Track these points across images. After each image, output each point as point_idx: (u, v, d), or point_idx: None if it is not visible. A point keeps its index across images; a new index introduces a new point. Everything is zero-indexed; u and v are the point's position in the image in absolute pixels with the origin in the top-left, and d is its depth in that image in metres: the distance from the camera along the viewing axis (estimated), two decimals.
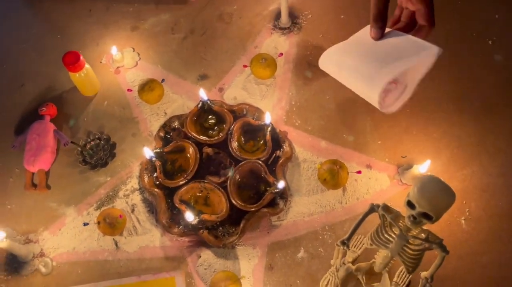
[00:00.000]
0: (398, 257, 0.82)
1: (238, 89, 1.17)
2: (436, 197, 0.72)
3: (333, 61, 0.85)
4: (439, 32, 1.20)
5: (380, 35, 0.76)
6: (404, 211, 0.78)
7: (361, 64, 0.80)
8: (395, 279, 0.95)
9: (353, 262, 0.96)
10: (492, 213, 1.02)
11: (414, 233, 0.79)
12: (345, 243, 0.85)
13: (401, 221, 0.80)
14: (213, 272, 0.98)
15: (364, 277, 0.94)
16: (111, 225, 0.99)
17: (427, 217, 0.73)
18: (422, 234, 0.79)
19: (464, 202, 1.03)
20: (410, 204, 0.74)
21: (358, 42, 0.81)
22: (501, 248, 0.99)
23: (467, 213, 1.02)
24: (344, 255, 0.95)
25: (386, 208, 0.82)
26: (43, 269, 1.00)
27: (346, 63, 0.81)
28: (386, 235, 0.82)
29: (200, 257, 1.01)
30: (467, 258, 0.99)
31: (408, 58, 0.79)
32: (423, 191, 0.72)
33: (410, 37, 0.81)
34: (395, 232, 0.81)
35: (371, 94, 0.89)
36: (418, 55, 0.78)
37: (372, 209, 0.83)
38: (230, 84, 1.18)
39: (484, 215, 1.02)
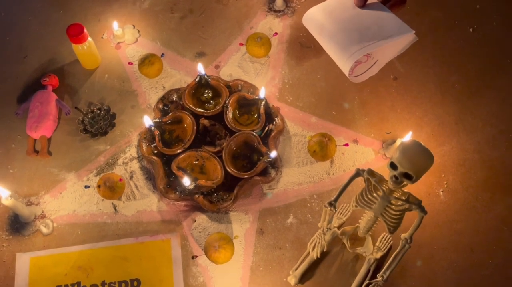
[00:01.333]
0: (381, 217, 0.89)
1: (234, 67, 1.23)
2: (416, 158, 0.79)
3: (315, 23, 0.90)
4: (424, 19, 1.29)
5: (363, 3, 0.81)
6: (387, 177, 0.85)
7: (341, 32, 0.85)
8: (377, 243, 1.02)
9: (339, 228, 1.03)
10: (467, 185, 1.10)
11: (396, 195, 0.86)
12: (332, 204, 0.92)
13: (384, 184, 0.87)
14: (207, 235, 1.04)
15: (348, 242, 1.01)
16: (111, 188, 1.04)
17: (408, 177, 0.80)
18: (403, 196, 0.87)
19: (443, 175, 1.11)
20: (392, 165, 0.81)
21: (341, 6, 0.87)
22: (475, 217, 1.07)
23: (445, 185, 1.10)
24: (331, 217, 1.02)
25: (371, 172, 0.88)
26: (44, 230, 1.04)
27: (327, 28, 0.87)
28: (370, 197, 0.89)
29: (195, 221, 1.06)
30: (444, 225, 1.06)
31: (387, 38, 0.85)
32: (405, 152, 0.79)
33: (392, 16, 0.87)
34: (379, 194, 0.88)
35: (344, 63, 0.96)
36: (396, 37, 0.85)
37: (358, 173, 0.90)
38: (226, 62, 1.24)
39: (460, 187, 1.10)
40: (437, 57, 1.25)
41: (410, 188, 0.89)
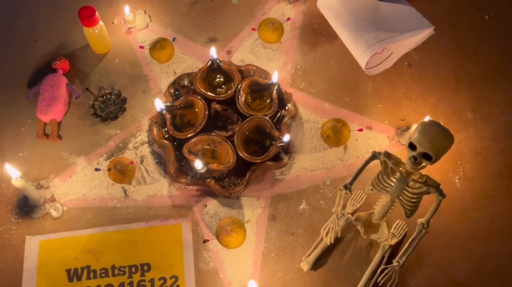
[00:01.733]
0: (398, 201, 0.87)
1: (246, 52, 1.21)
2: (436, 137, 0.77)
3: (331, 9, 0.88)
4: (439, 6, 1.27)
5: None
6: (404, 160, 0.83)
7: (358, 22, 0.84)
8: (392, 230, 1.00)
9: (352, 214, 1.01)
10: (484, 173, 1.08)
11: (414, 177, 0.84)
12: (347, 187, 0.90)
13: (401, 167, 0.85)
14: (218, 220, 1.03)
15: (362, 228, 0.99)
16: (122, 172, 1.02)
17: (427, 157, 0.79)
18: (421, 179, 0.85)
19: (459, 163, 1.09)
20: (411, 146, 0.79)
21: None
22: (492, 205, 1.05)
23: (461, 173, 1.08)
24: (346, 201, 1.00)
25: (388, 155, 0.87)
26: (54, 213, 1.03)
27: (343, 15, 0.85)
28: (386, 180, 0.87)
29: (206, 206, 1.05)
30: (460, 213, 1.04)
31: (405, 32, 0.83)
32: (424, 132, 0.77)
33: (411, 9, 0.85)
34: (396, 176, 0.86)
35: (360, 55, 0.94)
36: (415, 31, 0.83)
37: (374, 155, 0.88)
38: (238, 47, 1.22)
39: (477, 175, 1.08)
40: (452, 44, 1.23)
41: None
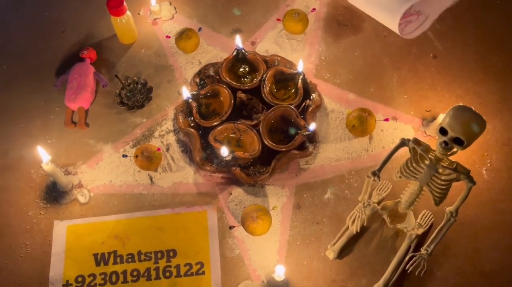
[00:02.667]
0: (427, 187, 0.87)
1: (270, 43, 1.22)
2: (468, 121, 0.76)
3: None
4: None
5: None
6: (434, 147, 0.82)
7: None
8: (418, 220, 0.99)
9: (378, 204, 1.01)
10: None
11: (444, 164, 0.84)
12: (376, 174, 0.89)
13: (431, 153, 0.85)
14: (243, 208, 1.03)
15: (388, 218, 0.99)
16: (149, 158, 1.03)
17: (458, 142, 0.78)
18: (451, 165, 0.84)
19: (486, 154, 1.08)
20: (442, 131, 0.79)
21: None
22: None
23: (489, 164, 1.07)
24: (373, 189, 0.99)
25: (416, 141, 0.86)
26: (81, 199, 1.04)
27: None
28: (415, 166, 0.86)
29: (231, 194, 1.05)
30: (487, 204, 1.03)
31: None
32: (456, 116, 0.77)
33: None
34: (425, 163, 0.85)
35: (390, 21, 0.93)
36: None
37: (403, 142, 0.88)
38: (262, 38, 1.23)
39: (504, 167, 1.06)
40: (478, 36, 1.22)
41: None
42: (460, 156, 1.06)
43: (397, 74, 1.17)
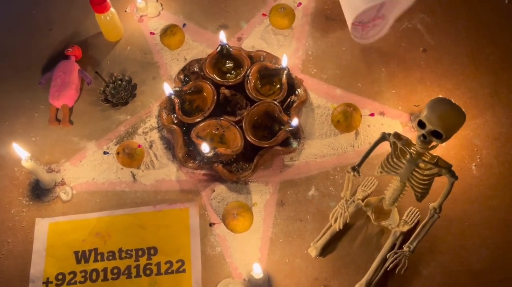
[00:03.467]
0: (408, 183, 0.84)
1: (256, 39, 1.20)
2: (446, 114, 0.74)
3: None
4: None
5: None
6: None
7: None
8: (404, 217, 0.97)
9: (363, 201, 0.98)
10: (503, 160, 1.03)
11: (425, 159, 0.81)
12: (355, 169, 0.87)
13: (412, 148, 0.82)
14: (226, 205, 1.01)
15: (373, 214, 0.96)
16: (130, 155, 1.02)
17: (437, 135, 0.75)
18: (432, 160, 0.81)
19: (476, 149, 1.05)
20: (420, 124, 0.76)
21: None
22: (510, 192, 1.00)
23: (478, 160, 1.03)
24: (355, 185, 0.97)
25: (397, 135, 0.84)
26: (63, 196, 1.04)
27: None
28: (396, 161, 0.84)
29: (214, 191, 1.04)
30: (477, 201, 1.00)
31: None
32: (433, 109, 0.74)
33: None
34: (406, 158, 0.82)
35: (348, 18, 0.92)
36: None
37: (384, 137, 0.85)
38: (248, 34, 1.21)
39: (495, 162, 1.03)
40: (471, 29, 1.19)
41: None
42: (448, 151, 1.04)
43: (385, 68, 1.15)
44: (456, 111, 0.74)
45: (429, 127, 0.75)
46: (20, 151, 0.96)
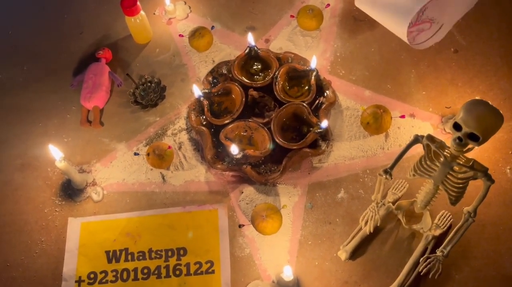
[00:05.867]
0: (442, 186, 0.83)
1: (284, 40, 1.20)
2: (483, 116, 0.72)
3: (367, 1, 0.85)
4: None
5: None
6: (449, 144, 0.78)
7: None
8: (436, 221, 0.95)
9: (393, 204, 0.97)
10: None
11: (460, 161, 0.80)
12: (387, 172, 0.86)
13: (446, 150, 0.81)
14: (254, 207, 1.01)
15: (404, 218, 0.95)
16: (160, 156, 1.04)
17: (473, 138, 0.74)
18: (467, 163, 0.80)
19: (510, 152, 1.02)
20: (456, 126, 0.75)
21: None
22: None
23: None
24: (386, 188, 0.96)
25: (431, 138, 0.82)
26: (94, 197, 1.06)
27: (378, 1, 0.82)
28: (430, 164, 0.83)
29: (243, 192, 1.04)
30: (511, 205, 0.97)
31: None
32: (470, 111, 0.73)
33: None
34: (440, 160, 0.81)
35: (398, 27, 0.90)
36: None
37: (417, 139, 0.84)
38: (276, 36, 1.21)
39: None
40: (503, 29, 1.16)
41: None
42: (482, 154, 1.02)
43: (415, 69, 1.13)
44: (493, 113, 0.73)
45: (465, 129, 0.73)
46: (55, 152, 0.98)
